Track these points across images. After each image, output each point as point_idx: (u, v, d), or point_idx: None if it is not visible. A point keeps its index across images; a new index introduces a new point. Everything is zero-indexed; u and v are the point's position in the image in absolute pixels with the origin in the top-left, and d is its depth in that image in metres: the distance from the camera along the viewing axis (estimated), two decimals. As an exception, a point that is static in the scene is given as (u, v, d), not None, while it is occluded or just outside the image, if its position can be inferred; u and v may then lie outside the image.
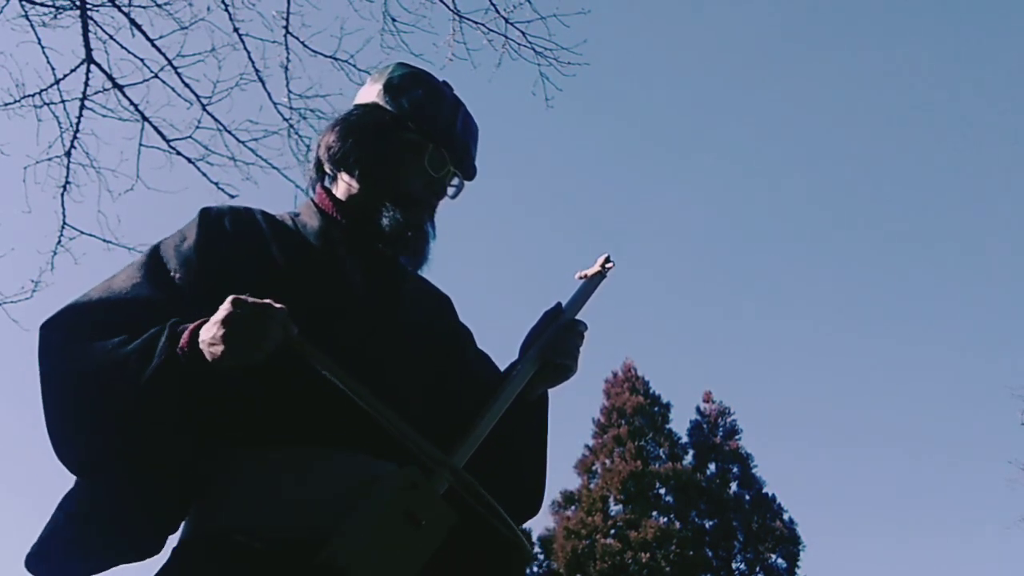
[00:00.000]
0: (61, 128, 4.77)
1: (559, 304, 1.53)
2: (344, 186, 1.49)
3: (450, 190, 1.52)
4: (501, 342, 1.60)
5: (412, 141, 1.46)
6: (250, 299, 1.15)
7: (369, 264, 1.44)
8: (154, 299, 1.26)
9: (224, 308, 1.14)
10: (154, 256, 1.33)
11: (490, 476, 1.30)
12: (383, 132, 1.46)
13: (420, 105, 1.48)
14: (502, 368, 1.55)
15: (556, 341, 1.46)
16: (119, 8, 4.61)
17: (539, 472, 1.55)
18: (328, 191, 1.51)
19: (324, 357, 1.20)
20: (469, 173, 1.55)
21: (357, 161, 1.46)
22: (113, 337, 1.20)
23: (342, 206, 1.48)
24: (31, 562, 1.18)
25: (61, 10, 4.55)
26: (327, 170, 1.50)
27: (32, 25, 4.55)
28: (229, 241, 1.37)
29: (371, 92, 1.52)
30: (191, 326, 1.18)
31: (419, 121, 1.47)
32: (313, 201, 1.52)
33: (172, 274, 1.30)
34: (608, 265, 1.55)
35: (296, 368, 1.23)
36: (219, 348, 1.14)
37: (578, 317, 1.51)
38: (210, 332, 1.15)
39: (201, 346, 1.16)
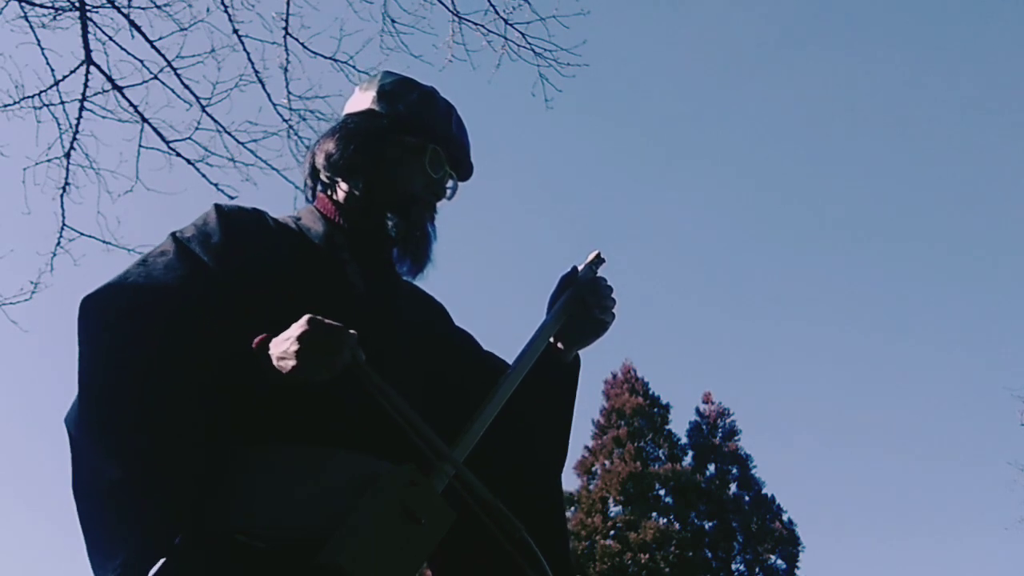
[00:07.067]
0: (60, 129, 4.79)
1: (575, 267, 1.56)
2: (344, 192, 1.50)
3: (447, 191, 1.54)
4: (499, 342, 1.61)
5: (411, 144, 1.49)
6: (325, 320, 1.18)
7: (370, 268, 1.46)
8: (193, 289, 1.27)
9: (300, 326, 1.18)
10: (183, 246, 1.33)
11: (513, 437, 1.40)
12: (383, 137, 1.49)
13: (416, 108, 1.51)
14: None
15: (586, 293, 1.49)
16: (118, 9, 4.62)
17: (564, 433, 1.58)
18: (329, 196, 1.52)
19: (384, 384, 1.23)
20: (466, 172, 1.58)
21: (359, 166, 1.47)
22: (158, 324, 1.22)
23: (344, 211, 1.50)
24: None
25: (60, 11, 4.56)
26: (324, 178, 1.52)
27: (31, 26, 4.56)
28: (249, 236, 1.39)
29: (364, 100, 1.54)
30: (259, 337, 1.22)
31: (417, 123, 1.50)
32: (315, 207, 1.53)
33: (206, 264, 1.31)
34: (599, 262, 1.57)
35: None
36: (290, 363, 1.17)
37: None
38: (282, 347, 1.18)
39: (271, 357, 1.19)
